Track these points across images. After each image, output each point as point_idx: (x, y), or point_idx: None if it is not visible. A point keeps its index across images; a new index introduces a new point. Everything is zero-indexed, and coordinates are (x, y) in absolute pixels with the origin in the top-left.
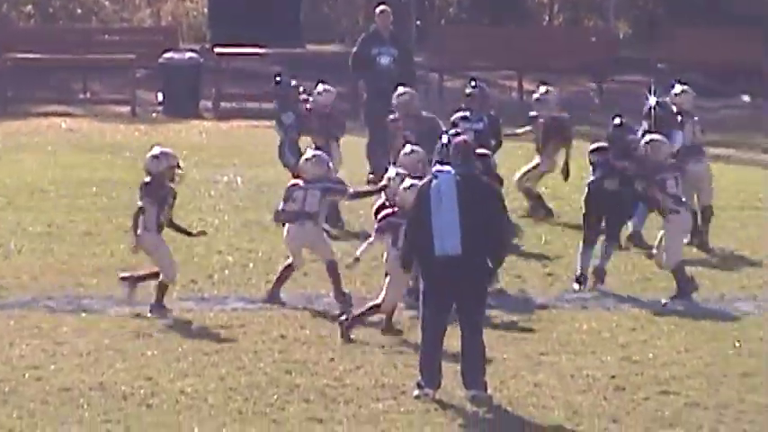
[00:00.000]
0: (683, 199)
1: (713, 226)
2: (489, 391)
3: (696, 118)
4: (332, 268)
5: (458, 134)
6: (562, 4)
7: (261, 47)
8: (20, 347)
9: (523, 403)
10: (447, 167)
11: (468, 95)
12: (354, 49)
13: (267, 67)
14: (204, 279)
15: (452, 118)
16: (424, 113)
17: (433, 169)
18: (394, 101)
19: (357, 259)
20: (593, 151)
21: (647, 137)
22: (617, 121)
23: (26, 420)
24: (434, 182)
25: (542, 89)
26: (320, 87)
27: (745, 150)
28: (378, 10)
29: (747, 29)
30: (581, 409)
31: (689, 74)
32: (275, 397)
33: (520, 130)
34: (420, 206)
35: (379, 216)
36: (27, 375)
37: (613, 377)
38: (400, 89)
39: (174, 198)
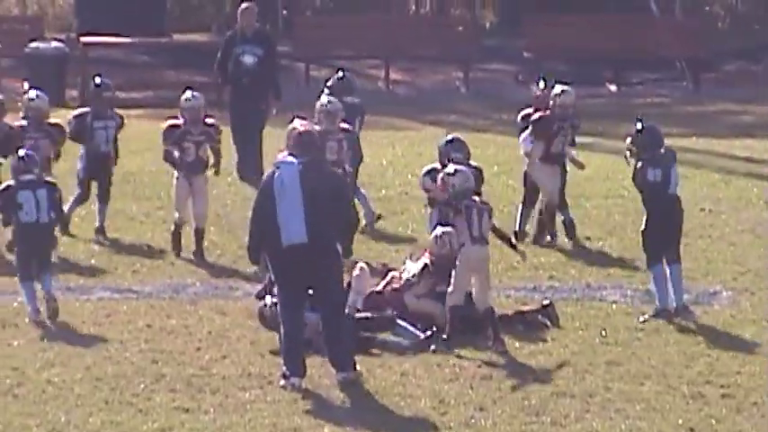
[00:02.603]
0: None
1: (579, 215)
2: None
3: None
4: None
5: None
6: None
7: (127, 36)
8: None
9: (390, 392)
10: (290, 158)
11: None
12: (219, 55)
13: (133, 57)
14: (70, 268)
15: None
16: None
17: (276, 161)
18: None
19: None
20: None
21: None
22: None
23: None
24: (277, 173)
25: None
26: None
27: (610, 139)
28: (241, 8)
29: (612, 17)
30: (447, 397)
31: (554, 63)
32: (142, 386)
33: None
34: (264, 199)
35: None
36: None
37: (480, 366)
38: (324, 98)
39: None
